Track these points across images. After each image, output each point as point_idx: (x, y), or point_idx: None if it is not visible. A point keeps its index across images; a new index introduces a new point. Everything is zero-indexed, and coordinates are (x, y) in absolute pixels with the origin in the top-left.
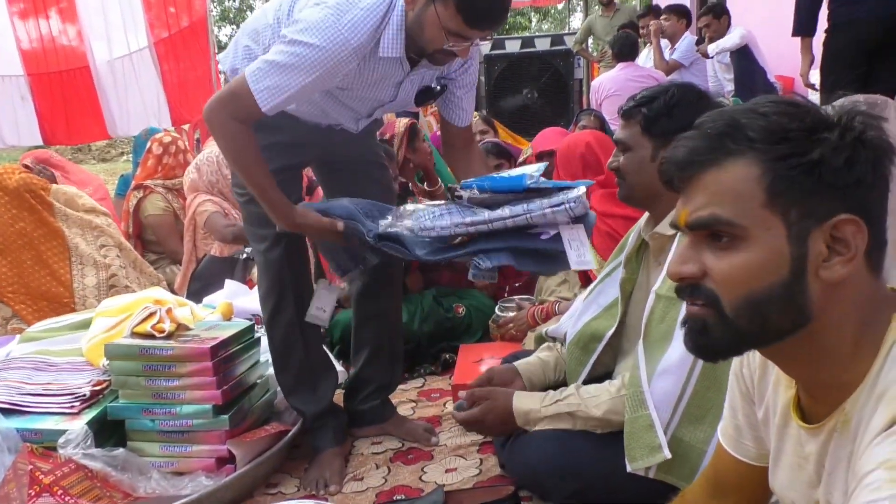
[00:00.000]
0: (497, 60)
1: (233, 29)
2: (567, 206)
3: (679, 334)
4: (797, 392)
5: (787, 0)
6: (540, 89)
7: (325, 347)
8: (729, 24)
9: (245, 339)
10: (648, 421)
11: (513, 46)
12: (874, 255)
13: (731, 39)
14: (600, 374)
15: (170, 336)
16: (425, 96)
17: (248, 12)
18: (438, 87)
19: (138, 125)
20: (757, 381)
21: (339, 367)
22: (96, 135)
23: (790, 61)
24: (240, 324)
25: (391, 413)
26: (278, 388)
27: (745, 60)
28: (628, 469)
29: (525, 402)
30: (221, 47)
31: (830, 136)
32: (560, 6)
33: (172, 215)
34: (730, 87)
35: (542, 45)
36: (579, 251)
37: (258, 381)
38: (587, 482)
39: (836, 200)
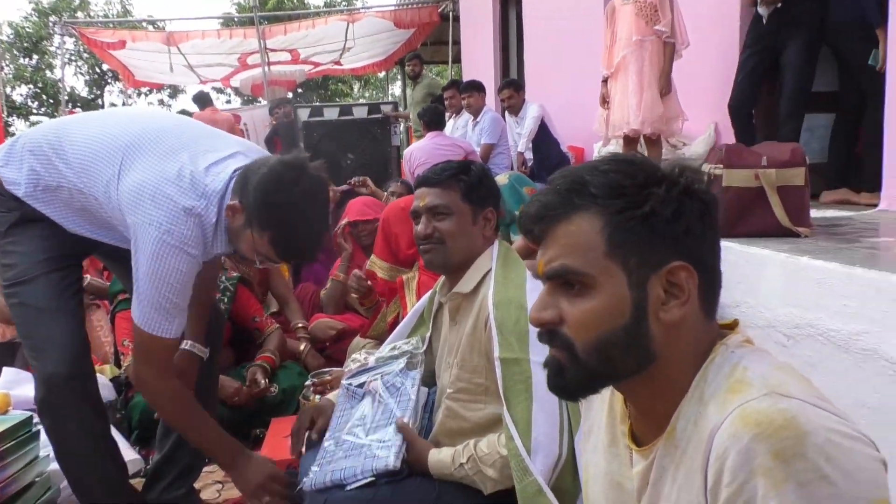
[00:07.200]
0: (316, 127)
1: (29, 89)
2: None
3: (538, 393)
4: (631, 420)
5: (578, 79)
6: (359, 156)
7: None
8: (524, 99)
9: (22, 434)
10: (537, 486)
11: (331, 114)
12: (707, 299)
13: (529, 125)
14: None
15: None
16: None
17: (48, 71)
18: None
19: None
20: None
21: (136, 454)
22: None
23: (582, 132)
24: (15, 417)
25: None
26: (61, 486)
27: (540, 133)
28: None
29: (439, 467)
30: (16, 108)
31: (658, 190)
32: (381, 74)
33: None
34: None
35: (360, 112)
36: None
37: (37, 479)
38: None
39: (669, 248)
